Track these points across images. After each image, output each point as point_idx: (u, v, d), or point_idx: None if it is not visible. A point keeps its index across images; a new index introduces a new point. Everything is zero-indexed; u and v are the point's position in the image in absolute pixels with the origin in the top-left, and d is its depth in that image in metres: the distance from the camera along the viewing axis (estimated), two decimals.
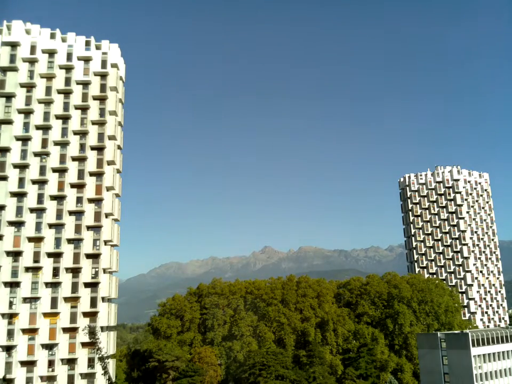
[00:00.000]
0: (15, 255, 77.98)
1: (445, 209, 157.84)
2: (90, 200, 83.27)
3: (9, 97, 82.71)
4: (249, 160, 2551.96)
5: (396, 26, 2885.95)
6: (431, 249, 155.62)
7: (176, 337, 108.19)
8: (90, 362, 77.02)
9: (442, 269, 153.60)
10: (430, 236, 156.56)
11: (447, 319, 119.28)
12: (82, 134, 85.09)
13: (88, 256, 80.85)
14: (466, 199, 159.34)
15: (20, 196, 79.93)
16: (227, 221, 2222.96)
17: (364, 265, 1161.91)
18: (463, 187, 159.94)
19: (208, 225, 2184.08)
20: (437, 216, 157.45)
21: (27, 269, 78.04)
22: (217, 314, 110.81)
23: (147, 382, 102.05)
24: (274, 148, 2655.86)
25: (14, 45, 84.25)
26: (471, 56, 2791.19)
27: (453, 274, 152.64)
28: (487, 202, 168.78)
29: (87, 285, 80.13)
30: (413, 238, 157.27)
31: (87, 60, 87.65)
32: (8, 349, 74.84)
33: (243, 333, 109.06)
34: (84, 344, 77.14)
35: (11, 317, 76.08)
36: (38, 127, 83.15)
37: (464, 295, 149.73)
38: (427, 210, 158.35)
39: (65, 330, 77.84)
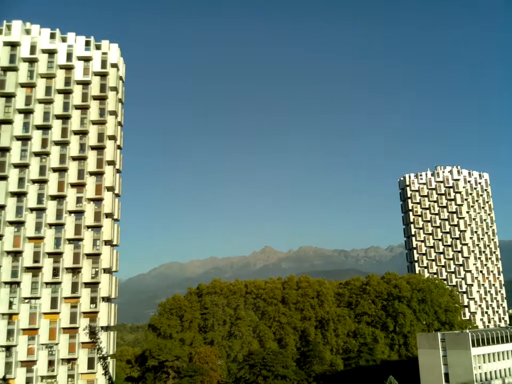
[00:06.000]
0: (15, 255, 77.82)
1: (445, 209, 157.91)
2: (90, 200, 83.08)
3: (9, 97, 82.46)
4: (249, 160, 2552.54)
5: (398, 25, 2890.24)
6: (432, 249, 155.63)
7: (176, 337, 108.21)
8: (91, 362, 77.01)
9: (443, 268, 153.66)
10: (431, 236, 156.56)
11: (447, 318, 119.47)
12: (82, 134, 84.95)
13: (88, 256, 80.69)
14: (466, 199, 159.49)
15: (19, 195, 79.77)
16: (227, 221, 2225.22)
17: (364, 265, 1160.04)
18: (463, 187, 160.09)
19: (208, 225, 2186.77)
20: (437, 216, 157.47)
21: (27, 269, 77.86)
22: (217, 314, 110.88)
23: (147, 382, 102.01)
24: (273, 148, 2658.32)
25: (14, 45, 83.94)
26: (471, 56, 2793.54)
27: (453, 274, 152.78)
28: (487, 202, 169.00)
29: (87, 285, 79.92)
30: (413, 237, 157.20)
31: (87, 59, 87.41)
32: (8, 349, 74.81)
33: (243, 333, 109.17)
34: (84, 344, 77.06)
35: (11, 317, 75.96)
36: (38, 127, 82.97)
37: (464, 294, 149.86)
38: (427, 210, 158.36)
39: (65, 330, 77.68)
